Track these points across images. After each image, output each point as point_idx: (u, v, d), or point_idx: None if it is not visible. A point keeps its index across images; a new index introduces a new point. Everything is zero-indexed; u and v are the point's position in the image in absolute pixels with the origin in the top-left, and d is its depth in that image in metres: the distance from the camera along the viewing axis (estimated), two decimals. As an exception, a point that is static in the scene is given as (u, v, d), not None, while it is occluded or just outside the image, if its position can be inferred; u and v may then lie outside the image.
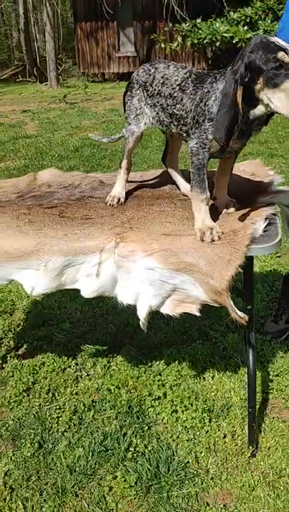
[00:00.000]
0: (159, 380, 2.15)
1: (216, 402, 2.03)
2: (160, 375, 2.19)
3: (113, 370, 2.26)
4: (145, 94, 1.68)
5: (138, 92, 1.71)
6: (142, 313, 1.49)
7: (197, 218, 1.57)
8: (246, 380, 2.11)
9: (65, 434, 1.95)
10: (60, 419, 2.02)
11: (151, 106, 1.68)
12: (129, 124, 1.74)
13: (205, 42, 11.54)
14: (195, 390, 2.09)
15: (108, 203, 1.80)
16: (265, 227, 1.51)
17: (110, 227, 1.59)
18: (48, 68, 14.89)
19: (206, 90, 1.51)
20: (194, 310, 1.48)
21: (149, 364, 2.27)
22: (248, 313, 1.72)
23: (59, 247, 1.51)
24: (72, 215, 1.71)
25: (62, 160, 5.95)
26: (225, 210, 1.71)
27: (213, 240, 1.50)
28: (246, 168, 2.00)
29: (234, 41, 10.87)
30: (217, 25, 11.24)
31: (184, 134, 1.63)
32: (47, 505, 1.68)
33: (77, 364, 2.33)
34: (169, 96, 1.61)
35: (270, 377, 2.14)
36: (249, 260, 1.56)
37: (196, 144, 1.54)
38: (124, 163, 1.82)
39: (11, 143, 6.89)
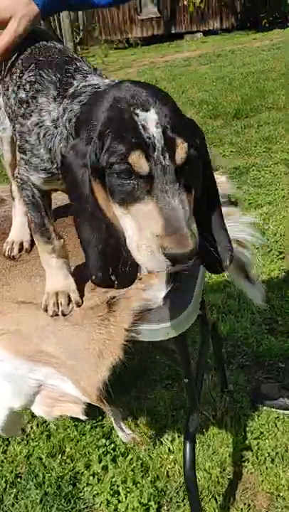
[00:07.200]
0: (103, 446, 1.70)
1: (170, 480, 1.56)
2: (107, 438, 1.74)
3: (52, 428, 1.83)
4: None
5: None
6: (0, 418, 1.02)
7: (47, 277, 1.06)
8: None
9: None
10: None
11: None
12: None
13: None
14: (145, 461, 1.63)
15: (6, 254, 1.25)
16: (171, 289, 0.96)
17: None
18: (64, 40, 14.22)
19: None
20: (79, 412, 0.99)
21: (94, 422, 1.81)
22: (187, 387, 1.25)
23: None
24: None
25: None
26: None
27: (59, 315, 0.98)
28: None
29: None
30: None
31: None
32: None
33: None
34: None
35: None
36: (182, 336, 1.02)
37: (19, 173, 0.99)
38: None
39: None
